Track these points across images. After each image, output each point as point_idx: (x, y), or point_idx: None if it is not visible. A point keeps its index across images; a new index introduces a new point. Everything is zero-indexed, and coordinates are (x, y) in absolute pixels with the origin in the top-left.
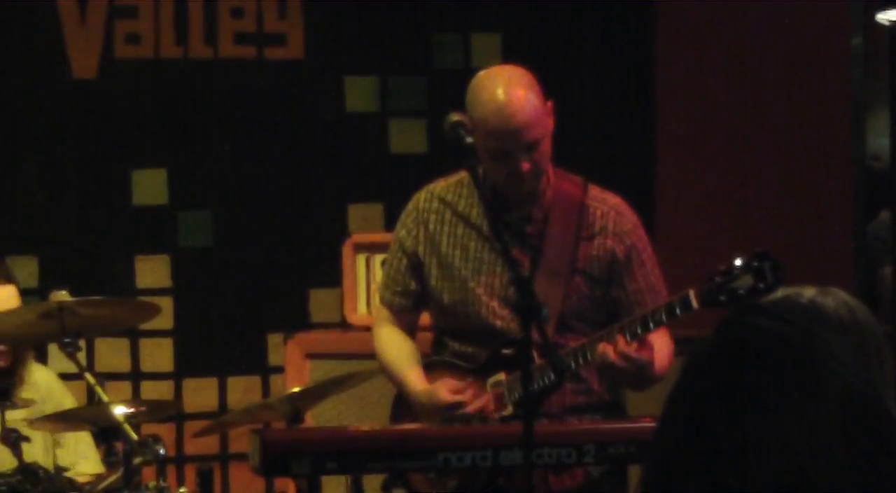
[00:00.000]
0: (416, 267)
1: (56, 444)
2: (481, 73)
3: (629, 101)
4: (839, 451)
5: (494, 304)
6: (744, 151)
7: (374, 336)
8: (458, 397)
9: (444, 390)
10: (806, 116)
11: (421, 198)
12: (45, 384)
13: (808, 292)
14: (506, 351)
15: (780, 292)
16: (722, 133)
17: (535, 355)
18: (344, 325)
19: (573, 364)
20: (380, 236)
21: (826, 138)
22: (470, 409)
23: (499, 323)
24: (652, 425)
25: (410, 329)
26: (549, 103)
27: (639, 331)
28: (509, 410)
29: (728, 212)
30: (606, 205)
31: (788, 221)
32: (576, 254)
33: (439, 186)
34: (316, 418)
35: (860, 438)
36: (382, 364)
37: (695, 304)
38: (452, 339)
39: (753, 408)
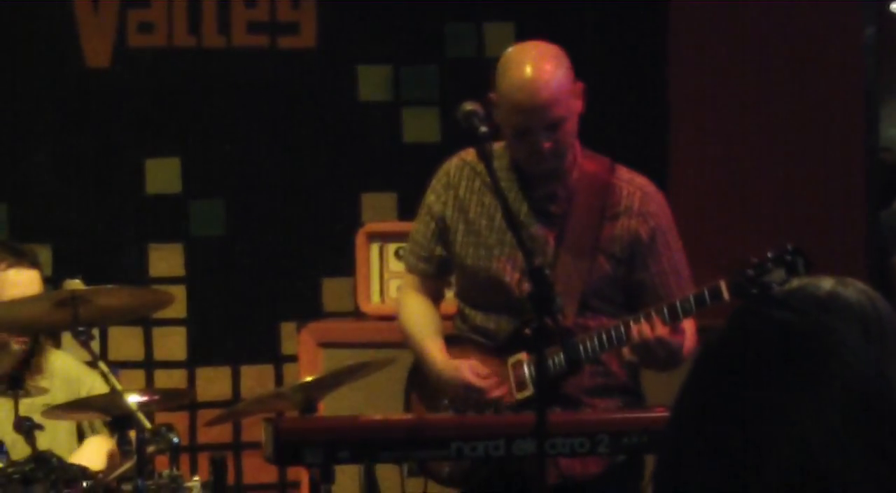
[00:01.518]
0: (443, 231)
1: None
2: (513, 47)
3: (642, 89)
4: (851, 442)
5: (517, 276)
6: (756, 142)
7: (398, 303)
8: (480, 382)
9: (469, 370)
10: (818, 106)
11: (452, 164)
12: (66, 371)
13: (827, 283)
14: (527, 331)
15: (795, 282)
16: (733, 124)
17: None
18: (357, 314)
19: (598, 347)
20: (393, 225)
21: (838, 129)
22: (490, 394)
23: (520, 295)
24: (665, 414)
25: (436, 298)
26: (580, 85)
27: (667, 318)
28: (530, 390)
29: (740, 202)
30: (633, 185)
31: (801, 211)
32: (599, 233)
33: (471, 154)
34: (329, 407)
35: (873, 429)
36: (404, 331)
37: (726, 295)
38: (475, 310)
39: (764, 399)
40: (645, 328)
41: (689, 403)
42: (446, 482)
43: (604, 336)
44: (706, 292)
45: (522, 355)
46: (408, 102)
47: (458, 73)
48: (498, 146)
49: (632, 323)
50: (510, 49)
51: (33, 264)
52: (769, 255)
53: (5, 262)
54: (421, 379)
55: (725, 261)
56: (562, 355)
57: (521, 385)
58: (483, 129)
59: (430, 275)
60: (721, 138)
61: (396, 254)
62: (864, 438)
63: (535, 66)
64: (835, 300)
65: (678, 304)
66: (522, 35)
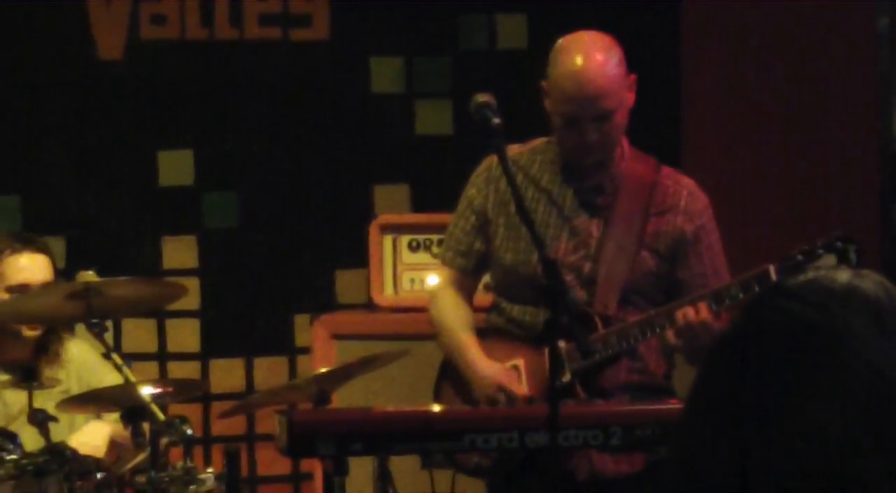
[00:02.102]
0: (483, 226)
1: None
2: (568, 36)
3: (655, 80)
4: (866, 435)
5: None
6: (768, 134)
7: (432, 299)
8: (518, 393)
9: (508, 375)
10: (831, 98)
11: (494, 159)
12: (81, 362)
13: (843, 275)
14: (563, 319)
15: (810, 274)
16: (746, 116)
17: (598, 324)
18: (370, 306)
19: (639, 334)
20: (406, 217)
21: (851, 120)
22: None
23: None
24: (679, 407)
25: (470, 293)
26: (633, 77)
27: (713, 305)
28: (568, 377)
29: (752, 194)
30: (679, 184)
31: (813, 203)
32: (644, 229)
33: (514, 149)
34: (342, 399)
35: (889, 423)
36: (437, 325)
37: (775, 280)
38: (511, 303)
39: (778, 392)
40: (690, 311)
41: (702, 395)
42: (473, 473)
43: (646, 322)
44: (752, 278)
45: (561, 343)
46: (420, 93)
47: (471, 65)
48: (540, 142)
49: (676, 308)
50: (564, 38)
51: (41, 249)
52: (819, 242)
53: (10, 247)
54: (454, 372)
55: (738, 254)
56: (607, 343)
57: (558, 373)
58: (496, 120)
59: (467, 270)
60: (733, 130)
61: (409, 246)
62: (880, 431)
63: (587, 55)
64: (852, 293)
65: (723, 290)
66: (535, 27)
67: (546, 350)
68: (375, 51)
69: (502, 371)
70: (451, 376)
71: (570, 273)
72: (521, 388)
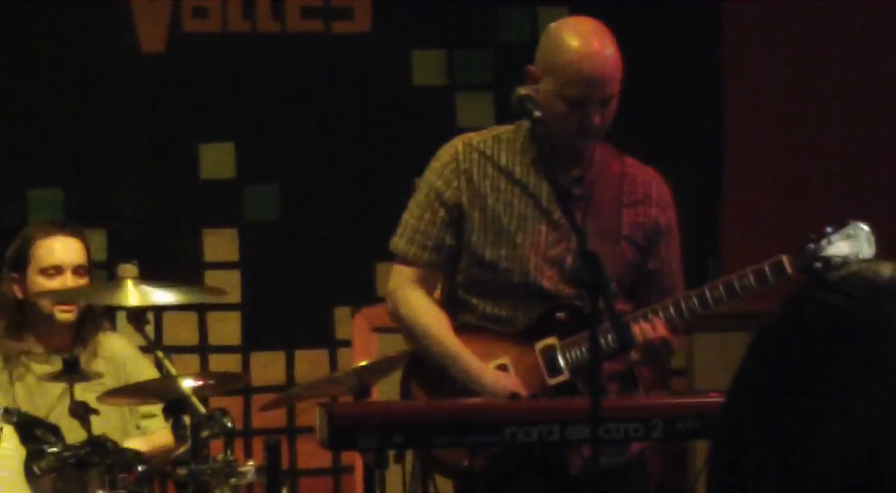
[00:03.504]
0: (457, 220)
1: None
2: (565, 20)
3: (697, 74)
4: None
5: (541, 262)
6: (811, 129)
7: (400, 300)
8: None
9: (515, 383)
10: (873, 93)
11: (459, 149)
12: (120, 355)
13: (887, 269)
14: (560, 315)
15: (853, 267)
16: (789, 109)
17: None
18: None
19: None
20: None
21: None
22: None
23: (546, 283)
24: (719, 399)
25: (432, 292)
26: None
27: (724, 296)
28: (565, 375)
29: (796, 188)
30: (647, 174)
31: (858, 199)
32: (620, 220)
33: (475, 138)
34: (382, 392)
35: None
36: (416, 332)
37: (789, 270)
38: (484, 299)
39: (821, 385)
40: (647, 328)
41: (743, 388)
42: (463, 476)
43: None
44: (767, 269)
45: (552, 340)
46: (462, 86)
47: (512, 58)
48: (503, 129)
49: (685, 298)
50: (561, 22)
51: (74, 233)
52: (829, 229)
53: (43, 231)
54: (423, 368)
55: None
56: (609, 338)
57: (554, 370)
58: (537, 113)
59: (436, 266)
60: (777, 123)
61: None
62: None
63: (599, 38)
64: (895, 285)
65: (735, 280)
66: None
67: (535, 347)
68: (417, 43)
69: (506, 379)
70: (421, 375)
71: (553, 268)
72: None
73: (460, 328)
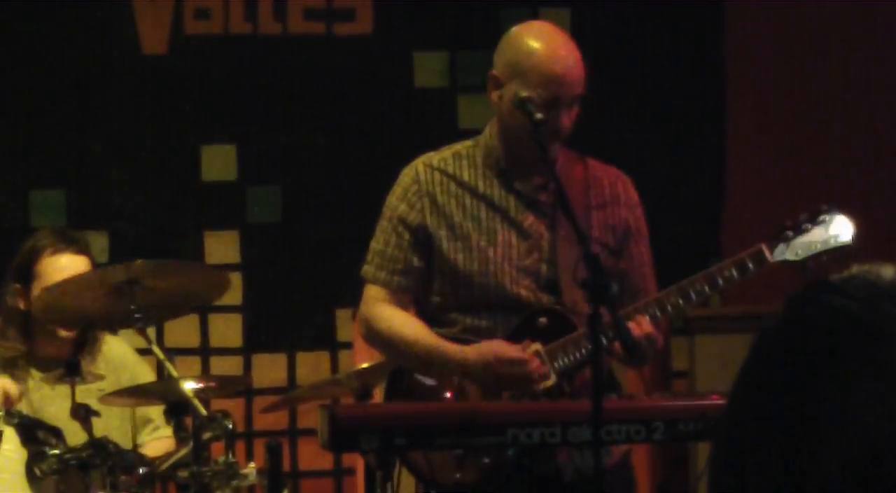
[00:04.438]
0: (423, 242)
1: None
2: (525, 24)
3: (700, 74)
4: None
5: (515, 273)
6: (814, 120)
7: (373, 317)
8: (520, 355)
9: (503, 344)
10: (876, 86)
11: (419, 171)
12: (119, 358)
13: (889, 271)
14: (542, 320)
15: (854, 269)
16: (792, 100)
17: (577, 324)
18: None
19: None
20: None
21: None
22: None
23: (524, 293)
24: (721, 402)
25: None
26: None
27: (706, 290)
28: (552, 380)
29: (799, 191)
30: (611, 175)
31: (860, 191)
32: (590, 223)
33: (435, 158)
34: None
35: None
36: (395, 342)
37: (769, 257)
38: (463, 313)
39: (824, 387)
40: (633, 326)
41: (746, 390)
42: (451, 490)
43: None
44: (747, 257)
45: (537, 345)
46: (464, 88)
47: None
48: (461, 146)
49: (667, 295)
50: (522, 26)
51: (82, 250)
52: (803, 216)
53: (52, 246)
54: (403, 387)
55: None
56: (582, 343)
57: (540, 376)
58: (539, 115)
59: (407, 289)
60: (779, 122)
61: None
62: None
63: (566, 41)
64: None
65: (716, 273)
66: (579, 20)
67: (525, 344)
68: (419, 45)
69: (488, 345)
70: (403, 389)
71: (528, 277)
72: (516, 348)
73: None
